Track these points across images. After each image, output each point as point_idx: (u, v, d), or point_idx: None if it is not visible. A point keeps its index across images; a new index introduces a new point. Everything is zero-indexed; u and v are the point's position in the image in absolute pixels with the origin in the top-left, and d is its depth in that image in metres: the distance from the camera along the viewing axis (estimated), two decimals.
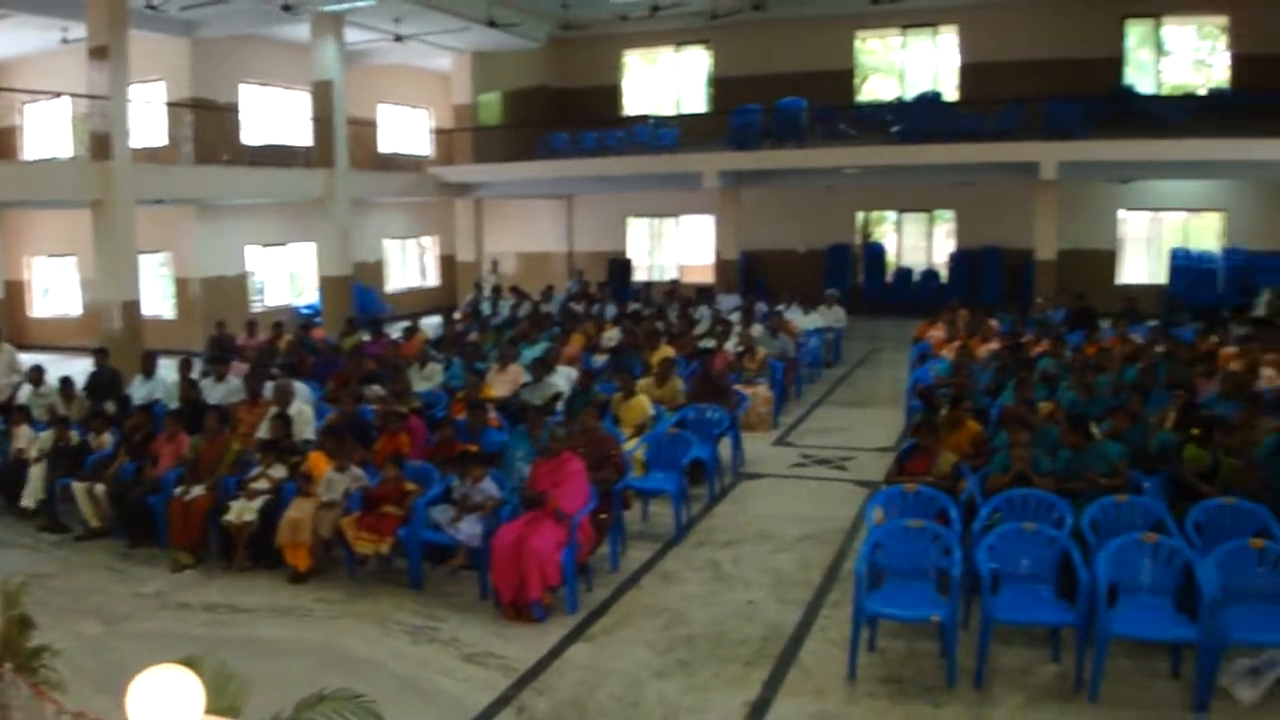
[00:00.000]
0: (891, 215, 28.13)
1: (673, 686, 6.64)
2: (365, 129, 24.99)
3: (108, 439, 10.69)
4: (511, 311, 19.70)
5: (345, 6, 20.31)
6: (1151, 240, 25.93)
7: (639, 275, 28.48)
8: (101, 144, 16.77)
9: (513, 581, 7.62)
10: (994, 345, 13.92)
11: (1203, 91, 24.86)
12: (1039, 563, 6.86)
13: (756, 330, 15.40)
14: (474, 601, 8.13)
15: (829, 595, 8.06)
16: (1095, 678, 6.30)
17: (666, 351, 13.67)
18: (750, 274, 26.32)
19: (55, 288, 24.56)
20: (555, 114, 28.94)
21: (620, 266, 27.74)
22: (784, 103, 24.18)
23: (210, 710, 3.54)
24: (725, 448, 11.60)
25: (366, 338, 16.18)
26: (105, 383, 13.22)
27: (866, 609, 6.66)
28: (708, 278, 25.85)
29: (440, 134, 28.07)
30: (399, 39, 23.07)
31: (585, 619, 7.73)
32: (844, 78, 27.42)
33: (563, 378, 12.37)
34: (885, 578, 7.02)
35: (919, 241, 27.77)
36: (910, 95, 26.34)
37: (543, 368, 12.25)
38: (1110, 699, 6.32)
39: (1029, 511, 7.48)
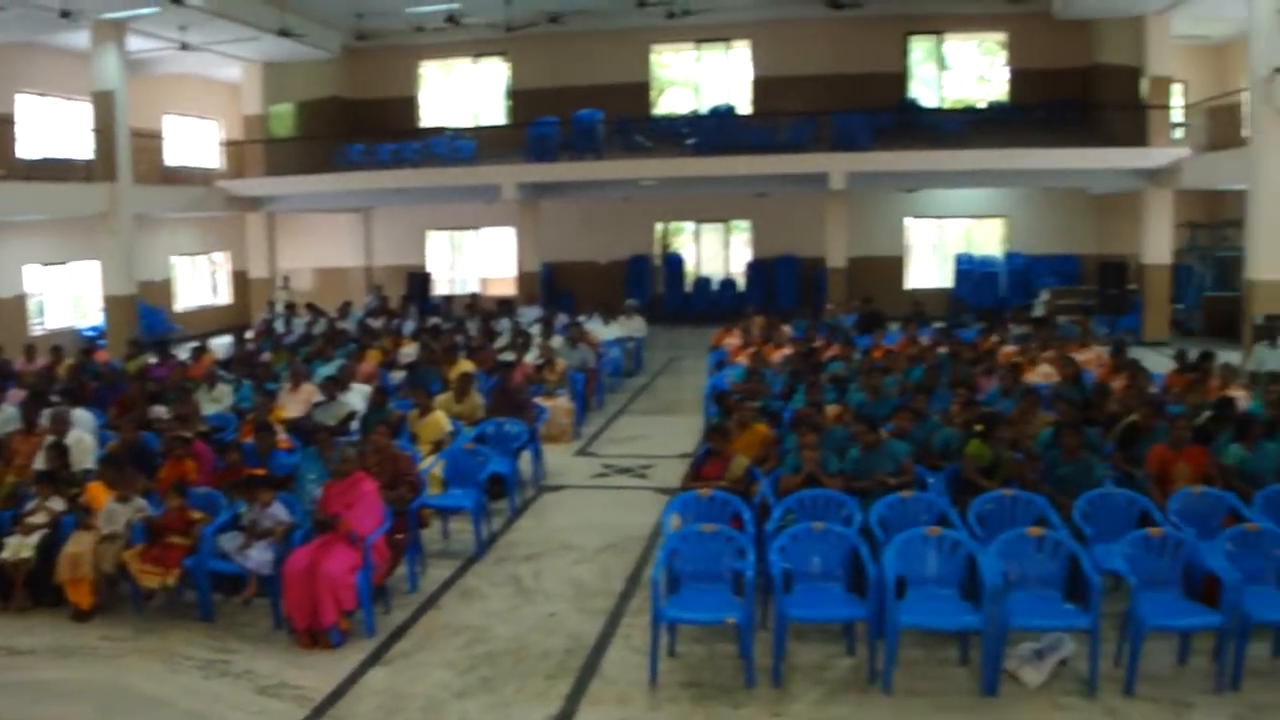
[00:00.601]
0: (689, 226, 28.66)
1: (474, 706, 6.54)
2: (150, 141, 23.91)
3: None
4: (306, 329, 19.18)
5: (127, 14, 19.41)
6: (937, 246, 27.16)
7: (439, 289, 28.15)
8: None
9: (307, 608, 7.36)
10: (787, 350, 14.28)
11: (983, 105, 26.16)
12: (829, 560, 7.06)
13: (556, 342, 15.40)
14: (268, 631, 7.83)
15: (630, 603, 8.09)
16: (888, 669, 6.50)
17: (465, 366, 13.50)
18: (553, 286, 26.41)
19: None
20: (350, 126, 28.32)
21: (420, 280, 27.27)
22: (581, 115, 24.32)
23: None
24: (526, 461, 11.56)
25: (153, 360, 15.48)
26: None
27: (664, 615, 6.70)
28: (510, 290, 25.76)
29: (230, 146, 27.10)
30: (185, 47, 22.19)
31: (384, 642, 7.54)
32: (640, 90, 27.81)
33: (358, 396, 12.06)
34: (682, 583, 7.10)
35: (717, 251, 28.42)
36: (705, 108, 26.84)
37: (336, 386, 11.94)
38: (904, 689, 6.53)
39: (819, 511, 7.68)
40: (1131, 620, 6.53)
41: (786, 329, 16.06)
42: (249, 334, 18.69)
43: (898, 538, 6.93)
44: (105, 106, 20.46)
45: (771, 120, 24.12)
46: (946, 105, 26.62)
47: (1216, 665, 6.56)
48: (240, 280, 28.19)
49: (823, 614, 6.95)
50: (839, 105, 23.70)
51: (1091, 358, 13.67)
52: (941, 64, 27.35)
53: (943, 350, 13.80)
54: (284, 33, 22.12)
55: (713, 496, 7.82)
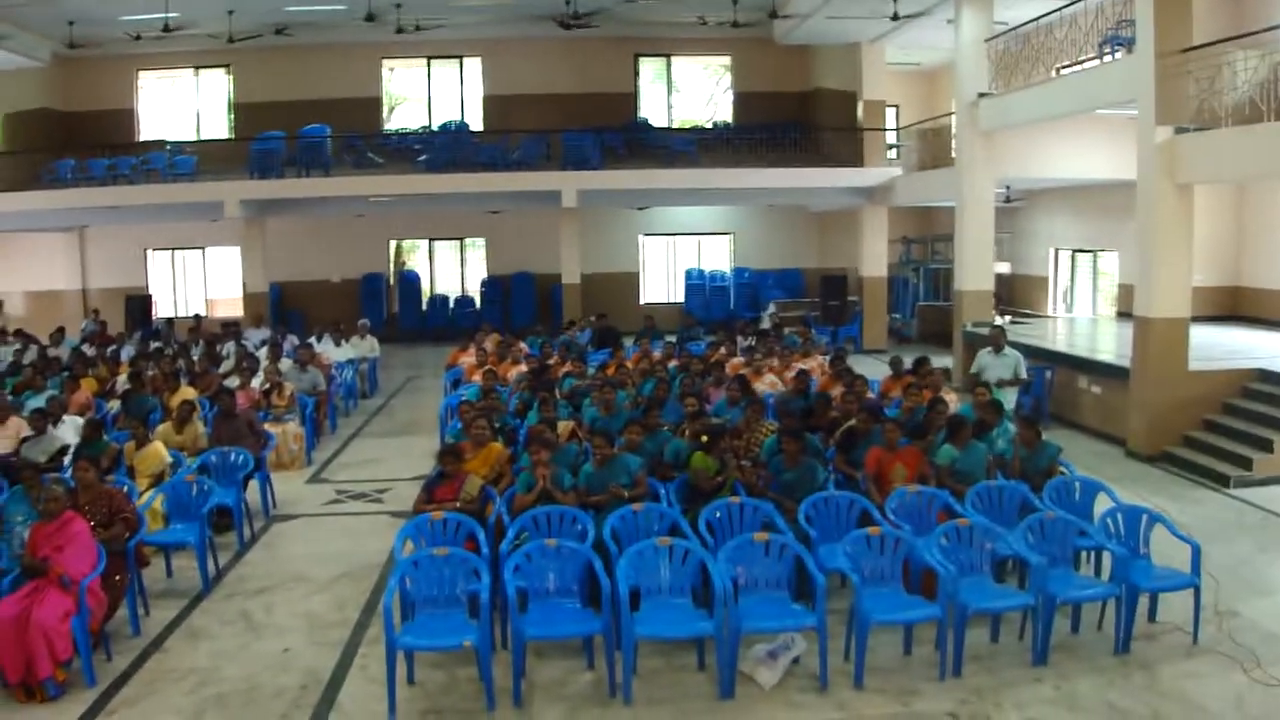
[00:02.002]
0: (424, 243, 28.39)
1: None
2: None
3: None
4: (15, 357, 17.88)
5: None
6: (669, 262, 27.90)
7: (162, 311, 26.70)
8: None
9: (19, 660, 6.86)
10: (523, 368, 14.32)
11: (709, 125, 27.04)
12: (564, 576, 7.15)
13: (285, 365, 14.92)
14: None
15: (367, 633, 7.93)
16: (627, 680, 6.63)
17: (187, 393, 12.93)
18: (282, 306, 25.63)
19: None
20: (62, 139, 26.52)
21: (140, 303, 25.83)
22: (308, 130, 23.69)
23: None
24: (254, 491, 11.14)
25: None
26: None
27: (399, 643, 6.60)
28: (238, 311, 24.80)
29: None
30: None
31: (106, 691, 7.09)
32: (372, 105, 27.38)
33: (70, 429, 11.36)
34: (417, 608, 7.02)
35: (452, 268, 28.26)
36: (437, 125, 26.67)
37: (46, 419, 11.20)
38: (644, 698, 6.67)
39: (554, 528, 7.76)
40: (856, 616, 6.91)
41: (522, 346, 16.11)
42: None
43: (630, 549, 7.09)
44: None
45: (504, 138, 24.17)
46: (675, 125, 27.38)
47: (939, 654, 6.98)
48: None
49: (559, 630, 7.01)
50: (571, 124, 24.06)
51: (814, 366, 14.34)
52: (670, 85, 28.10)
53: (674, 363, 14.16)
54: None
55: (446, 519, 7.76)
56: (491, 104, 27.28)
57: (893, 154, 23.95)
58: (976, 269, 18.27)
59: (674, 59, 27.85)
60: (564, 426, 10.16)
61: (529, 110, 25.81)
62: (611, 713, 6.56)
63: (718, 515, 7.99)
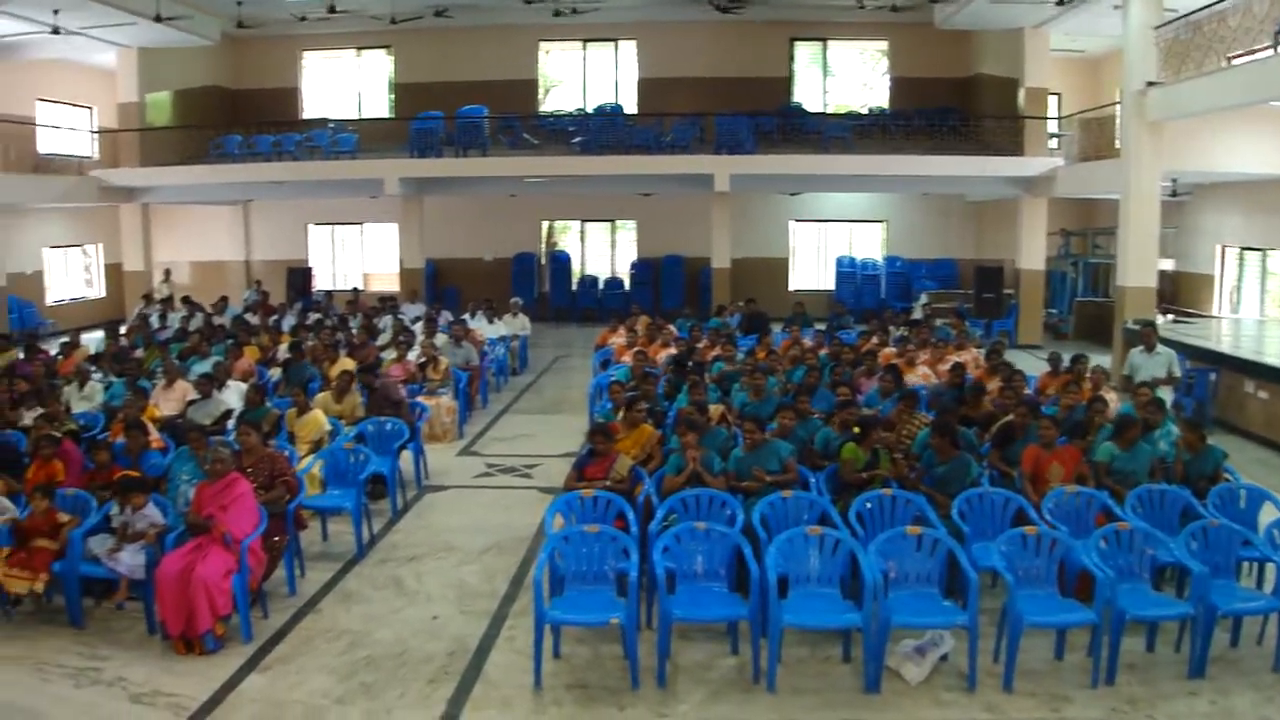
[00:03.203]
0: (575, 224, 28.61)
1: (355, 712, 6.43)
2: (20, 127, 23.04)
3: None
4: (182, 324, 18.66)
5: None
6: (820, 249, 27.59)
7: (321, 284, 27.59)
8: None
9: (181, 613, 7.16)
10: (672, 350, 14.34)
11: (865, 111, 26.62)
12: (712, 560, 7.12)
13: (440, 340, 15.23)
14: (141, 637, 7.59)
15: (514, 605, 8.04)
16: (772, 668, 6.56)
17: (346, 364, 13.31)
18: (437, 282, 26.14)
19: None
20: (229, 115, 27.60)
21: (301, 275, 26.80)
22: (466, 110, 24.09)
23: None
24: (408, 461, 11.40)
25: (20, 355, 14.93)
26: None
27: (547, 616, 6.66)
28: (393, 286, 25.40)
29: (105, 134, 26.24)
30: (56, 31, 21.41)
31: (261, 648, 7.36)
32: (528, 87, 27.67)
33: (234, 394, 11.80)
34: (566, 584, 7.07)
35: (603, 250, 28.41)
36: (592, 107, 26.83)
37: (211, 383, 11.65)
38: (788, 687, 6.59)
39: (703, 511, 7.73)
40: (1009, 617, 6.70)
41: (671, 328, 16.11)
42: (123, 329, 18.10)
43: (780, 537, 7.00)
44: None
45: (657, 121, 24.19)
46: (830, 111, 26.99)
47: (1091, 660, 6.73)
48: (114, 273, 27.33)
49: (707, 614, 6.98)
50: (724, 107, 23.89)
51: (969, 359, 14.01)
52: (825, 70, 27.74)
53: (824, 351, 14.01)
54: (160, 18, 21.49)
55: (596, 496, 7.81)
56: (645, 87, 27.30)
57: (1053, 144, 23.20)
58: (1139, 265, 17.59)
59: (830, 43, 27.43)
60: (714, 410, 10.14)
61: (683, 93, 25.75)
62: (754, 699, 6.51)
63: (869, 507, 7.86)
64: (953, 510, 7.89)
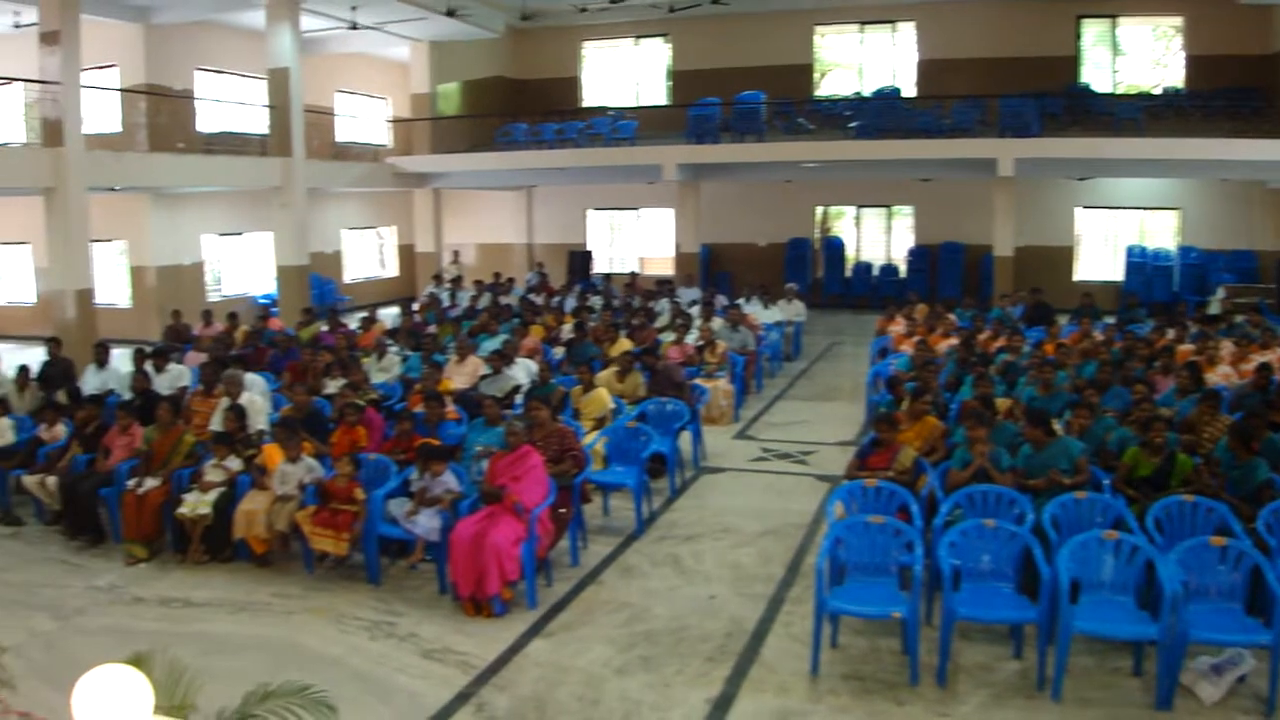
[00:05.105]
0: (850, 210, 28.23)
1: (634, 684, 6.57)
2: (322, 117, 24.66)
3: (61, 430, 10.49)
4: (471, 303, 19.54)
5: None
6: (1108, 238, 26.18)
7: (599, 268, 28.34)
8: (53, 130, 16.41)
9: (471, 576, 7.53)
10: (953, 340, 13.96)
11: (1158, 91, 25.12)
12: (1000, 559, 6.87)
13: (717, 324, 15.35)
14: (432, 596, 8.04)
15: (790, 591, 8.02)
16: (1058, 675, 6.29)
17: (625, 345, 13.62)
18: (711, 267, 26.34)
19: (8, 275, 24.15)
20: (513, 105, 28.73)
21: (581, 258, 27.64)
22: (743, 96, 24.16)
23: (159, 708, 3.44)
24: (686, 442, 11.53)
25: (324, 328, 16.00)
26: (58, 373, 12.97)
27: (828, 605, 6.61)
28: (668, 270, 25.77)
29: (398, 123, 27.79)
30: (355, 27, 22.81)
31: (545, 614, 7.65)
32: (803, 72, 27.49)
33: (522, 370, 12.27)
34: (846, 574, 7.00)
35: (878, 236, 27.89)
36: (869, 91, 26.39)
37: (501, 360, 12.14)
38: (1073, 697, 6.30)
39: (989, 508, 7.48)
40: None
41: (951, 317, 15.68)
42: (415, 306, 19.09)
43: (1073, 539, 6.68)
44: (280, 83, 21.06)
45: (937, 104, 23.54)
46: (1119, 91, 25.58)
47: None
48: (406, 254, 28.96)
49: (993, 614, 6.74)
50: (1007, 89, 22.94)
51: (1275, 359, 13.01)
52: (1115, 48, 26.28)
53: (1116, 346, 13.30)
54: (450, 13, 22.55)
55: (879, 487, 7.68)
56: (925, 69, 26.62)
57: None
58: None
59: (1119, 19, 25.95)
60: (1001, 404, 9.81)
61: (963, 75, 24.90)
62: (1038, 706, 6.24)
63: (1167, 513, 7.40)
64: (1258, 521, 7.33)
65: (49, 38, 16.23)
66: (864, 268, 26.90)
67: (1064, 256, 25.69)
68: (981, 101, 22.83)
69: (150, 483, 9.11)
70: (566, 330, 15.57)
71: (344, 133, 26.70)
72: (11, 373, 12.54)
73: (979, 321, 14.95)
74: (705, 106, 24.04)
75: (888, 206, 27.49)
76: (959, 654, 6.77)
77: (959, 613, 6.48)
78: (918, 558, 6.66)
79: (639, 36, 28.99)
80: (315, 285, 22.70)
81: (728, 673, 6.69)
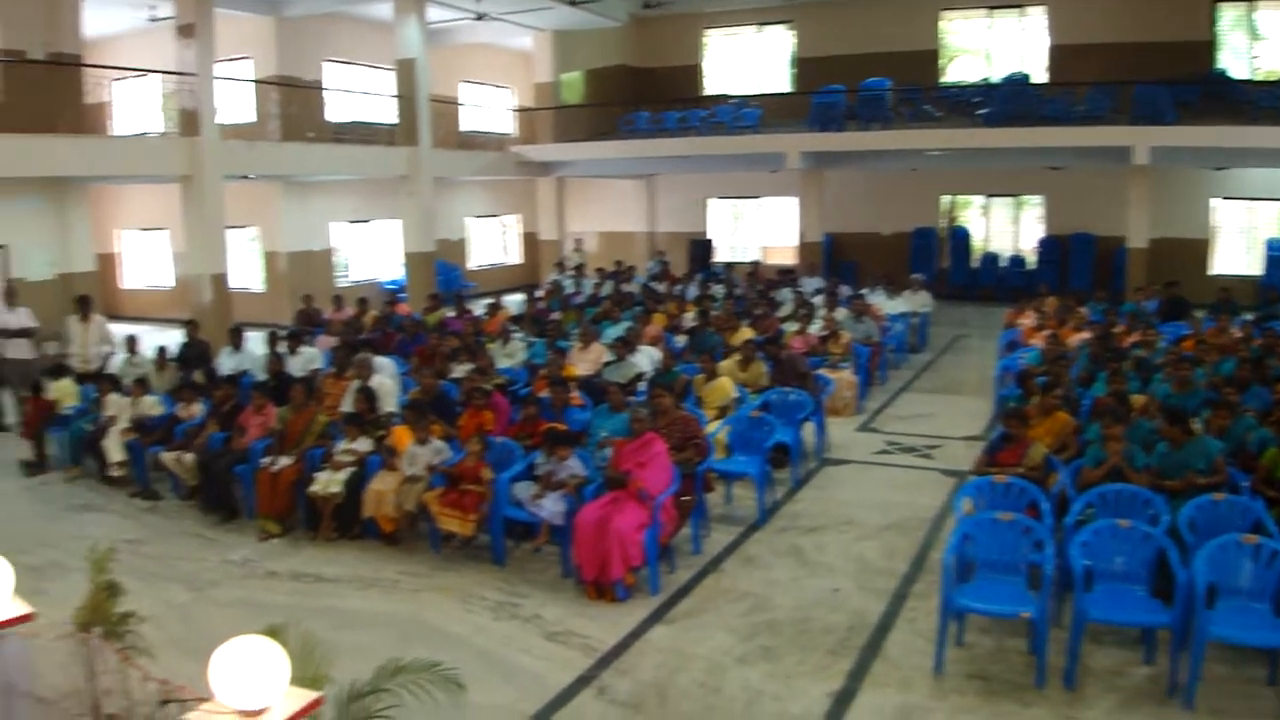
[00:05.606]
0: (978, 199, 27.65)
1: (755, 673, 6.58)
2: (448, 107, 25.06)
3: (197, 409, 10.89)
4: (594, 290, 19.69)
5: None
6: (1246, 230, 25.20)
7: (720, 256, 28.31)
8: (190, 120, 17.00)
9: (595, 561, 7.62)
10: (1085, 334, 13.61)
11: None
12: (1133, 561, 6.68)
13: (841, 314, 15.23)
14: (556, 580, 8.17)
15: (915, 586, 7.94)
16: (1191, 682, 6.10)
17: (747, 333, 13.60)
18: (834, 256, 26.08)
19: (146, 260, 25.08)
20: (636, 93, 28.84)
21: (702, 247, 27.63)
22: (869, 83, 23.85)
23: (295, 679, 3.57)
24: (809, 432, 11.49)
25: (450, 314, 16.28)
26: (195, 354, 13.46)
27: (955, 603, 6.52)
28: (789, 259, 25.62)
29: (522, 113, 28.10)
30: (480, 17, 23.11)
31: (667, 601, 7.70)
32: (929, 58, 26.97)
33: (645, 357, 12.34)
34: (974, 571, 6.89)
35: (1006, 226, 27.24)
36: (997, 77, 25.81)
37: (625, 347, 12.23)
38: (1206, 706, 6.11)
39: (1123, 507, 7.27)
40: None
41: (1083, 311, 15.30)
42: (539, 293, 19.32)
43: (1211, 543, 6.46)
44: (407, 74, 21.43)
45: (1068, 90, 22.90)
46: (1258, 78, 24.59)
47: None
48: (529, 241, 29.31)
49: (1126, 617, 6.55)
50: (1140, 75, 22.20)
51: None
52: (1253, 33, 25.23)
53: (1257, 344, 12.83)
54: (574, 2, 22.72)
55: (1009, 483, 7.53)
56: (1055, 54, 25.87)
57: None
58: None
59: (1257, 3, 24.89)
60: (1136, 400, 9.55)
61: (1094, 60, 24.13)
62: (1168, 714, 6.06)
63: None
64: None
65: (185, 30, 16.80)
66: (991, 258, 26.31)
67: (1199, 249, 24.76)
68: (1114, 88, 22.15)
69: (283, 461, 9.43)
70: (689, 319, 15.59)
71: (469, 122, 27.09)
72: (151, 353, 13.06)
73: (1112, 315, 14.54)
74: (830, 94, 23.76)
75: (1016, 196, 26.84)
76: (1088, 657, 6.61)
77: (1090, 614, 6.33)
78: (1048, 557, 6.52)
79: (762, 24, 28.78)
80: (441, 272, 23.09)
81: (850, 667, 6.65)
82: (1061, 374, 10.52)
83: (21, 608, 4.71)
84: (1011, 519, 6.85)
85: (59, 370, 12.72)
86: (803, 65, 28.18)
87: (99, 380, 11.98)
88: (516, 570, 8.37)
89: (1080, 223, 24.97)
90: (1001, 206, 27.22)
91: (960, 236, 26.56)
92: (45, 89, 17.77)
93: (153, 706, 3.95)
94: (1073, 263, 24.87)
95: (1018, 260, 25.96)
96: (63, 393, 12.15)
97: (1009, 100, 22.89)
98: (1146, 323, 13.95)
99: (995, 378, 13.34)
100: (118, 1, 20.36)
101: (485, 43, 27.02)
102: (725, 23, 28.98)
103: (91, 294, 15.55)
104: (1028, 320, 15.29)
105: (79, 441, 11.34)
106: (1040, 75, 25.73)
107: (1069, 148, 21.54)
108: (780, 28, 28.64)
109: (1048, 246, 25.37)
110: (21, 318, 13.70)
